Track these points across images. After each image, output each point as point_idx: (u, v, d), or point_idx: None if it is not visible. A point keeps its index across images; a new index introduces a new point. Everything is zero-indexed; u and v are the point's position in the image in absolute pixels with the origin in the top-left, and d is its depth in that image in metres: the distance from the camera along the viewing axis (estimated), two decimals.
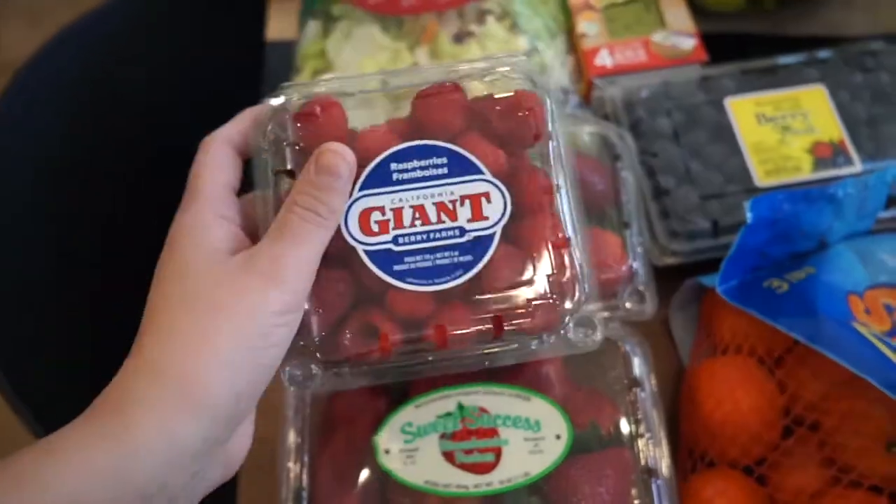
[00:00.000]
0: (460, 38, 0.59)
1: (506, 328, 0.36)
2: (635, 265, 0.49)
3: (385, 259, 0.36)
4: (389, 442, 0.44)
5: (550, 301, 0.36)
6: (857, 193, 0.49)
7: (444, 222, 0.36)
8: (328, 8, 0.62)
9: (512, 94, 0.38)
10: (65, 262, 0.69)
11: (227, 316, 0.31)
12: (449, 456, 0.44)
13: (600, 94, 0.59)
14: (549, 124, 0.38)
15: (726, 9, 0.63)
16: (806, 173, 0.53)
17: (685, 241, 0.52)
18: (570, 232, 0.37)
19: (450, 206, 0.36)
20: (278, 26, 0.66)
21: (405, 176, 0.37)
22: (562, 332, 0.37)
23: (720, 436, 0.47)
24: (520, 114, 0.37)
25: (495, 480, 0.43)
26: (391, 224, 0.36)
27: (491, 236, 0.36)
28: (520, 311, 0.36)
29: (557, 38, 0.61)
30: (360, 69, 0.58)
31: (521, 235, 0.37)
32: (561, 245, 0.37)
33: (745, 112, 0.55)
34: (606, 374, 0.47)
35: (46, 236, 0.67)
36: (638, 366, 0.47)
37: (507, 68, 0.39)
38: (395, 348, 0.36)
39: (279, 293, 0.32)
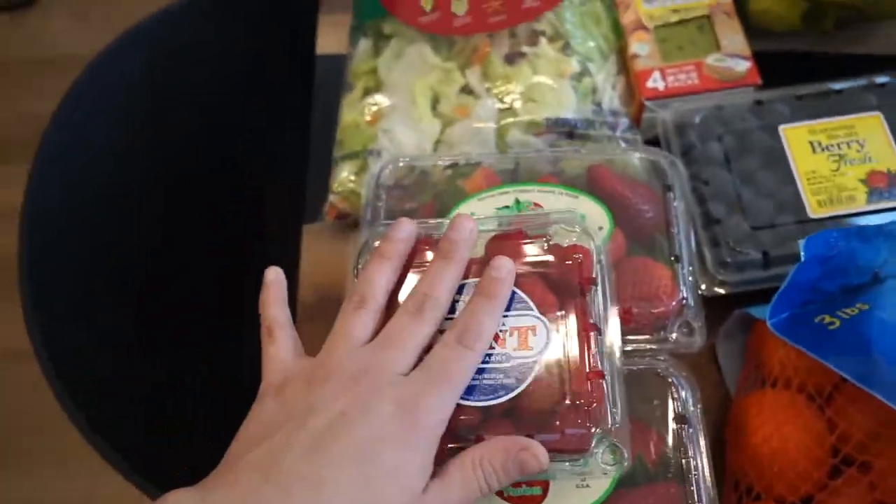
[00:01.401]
0: (512, 58, 0.59)
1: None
2: (685, 297, 0.49)
3: None
4: None
5: (580, 426, 0.41)
6: None
7: (493, 349, 0.42)
8: (379, 25, 0.62)
9: (566, 245, 0.45)
10: (119, 266, 0.71)
11: None
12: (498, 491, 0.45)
13: (652, 116, 0.58)
14: (596, 272, 0.44)
15: (783, 28, 0.62)
16: (860, 204, 0.53)
17: (735, 271, 0.52)
18: (604, 366, 0.42)
19: (501, 335, 0.42)
20: (328, 40, 0.67)
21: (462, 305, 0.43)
22: (591, 455, 0.41)
23: (767, 470, 0.47)
24: (568, 262, 0.44)
25: None
26: None
27: (532, 364, 0.41)
28: (552, 433, 0.40)
29: (609, 60, 0.60)
30: (410, 89, 0.58)
31: (562, 365, 0.42)
32: (595, 377, 0.41)
33: (799, 140, 0.55)
34: (654, 408, 0.47)
35: (107, 236, 0.69)
36: (685, 400, 0.47)
37: (562, 224, 0.46)
38: (444, 453, 0.40)
39: None
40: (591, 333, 0.43)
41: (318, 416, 0.37)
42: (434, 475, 0.38)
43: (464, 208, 0.51)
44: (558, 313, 0.43)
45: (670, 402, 0.47)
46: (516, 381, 0.41)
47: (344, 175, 0.57)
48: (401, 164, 0.55)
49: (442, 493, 0.38)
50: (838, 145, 0.54)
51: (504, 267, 0.42)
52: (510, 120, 0.57)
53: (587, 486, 0.44)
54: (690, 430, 0.46)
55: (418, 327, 0.40)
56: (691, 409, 0.47)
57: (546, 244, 0.45)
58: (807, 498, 0.47)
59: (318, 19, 0.68)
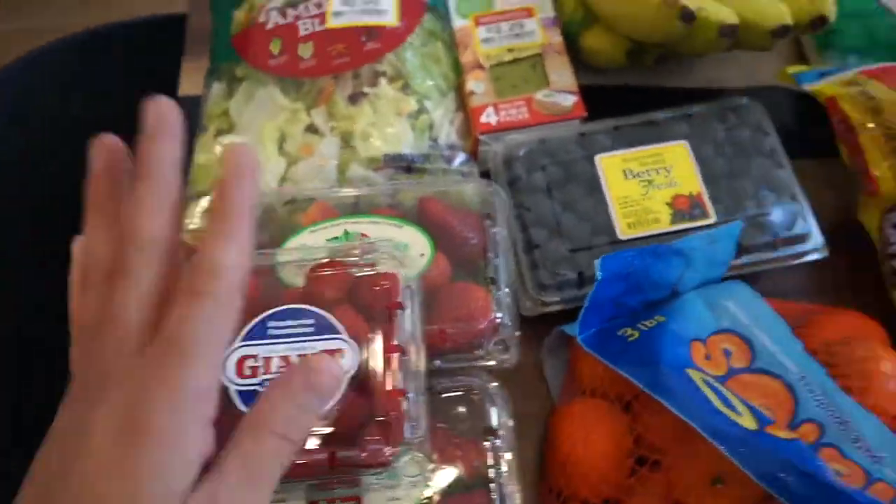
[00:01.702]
0: (354, 98, 0.63)
1: (339, 460, 0.44)
2: (500, 317, 0.53)
3: (251, 397, 0.43)
4: None
5: (380, 442, 0.44)
6: (705, 247, 0.53)
7: None
8: (232, 69, 0.66)
9: (374, 273, 0.49)
10: None
11: None
12: None
13: (487, 150, 0.63)
14: (404, 297, 0.48)
15: (610, 65, 0.67)
16: (665, 225, 0.57)
17: (554, 291, 0.56)
18: (405, 386, 0.45)
19: None
20: (190, 82, 0.70)
21: (279, 332, 0.46)
22: (394, 469, 0.45)
23: (574, 474, 0.51)
24: (377, 288, 0.48)
25: None
26: (261, 370, 0.44)
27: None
28: (355, 449, 0.43)
29: (448, 97, 0.65)
30: (259, 130, 0.62)
31: (375, 388, 0.45)
32: (396, 395, 0.45)
33: (613, 168, 0.59)
34: (467, 422, 0.51)
35: None
36: (494, 414, 0.51)
37: (377, 253, 0.50)
38: None
39: None
40: (395, 355, 0.46)
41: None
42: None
43: (296, 240, 0.55)
44: (368, 336, 0.47)
45: (483, 415, 0.51)
46: None
47: (193, 216, 0.60)
48: None
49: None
50: (647, 172, 0.59)
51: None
52: (350, 156, 0.61)
53: (397, 499, 0.48)
54: (499, 442, 0.50)
55: (196, 309, 0.32)
56: (501, 421, 0.51)
57: (359, 272, 0.49)
58: (610, 500, 0.51)
59: (182, 63, 0.72)
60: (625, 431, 0.51)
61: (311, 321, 0.47)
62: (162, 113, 0.34)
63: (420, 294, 0.49)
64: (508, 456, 0.50)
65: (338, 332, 0.46)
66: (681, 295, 0.55)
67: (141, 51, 0.74)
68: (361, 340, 0.46)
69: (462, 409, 0.51)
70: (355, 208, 0.57)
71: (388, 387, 0.45)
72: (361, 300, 0.48)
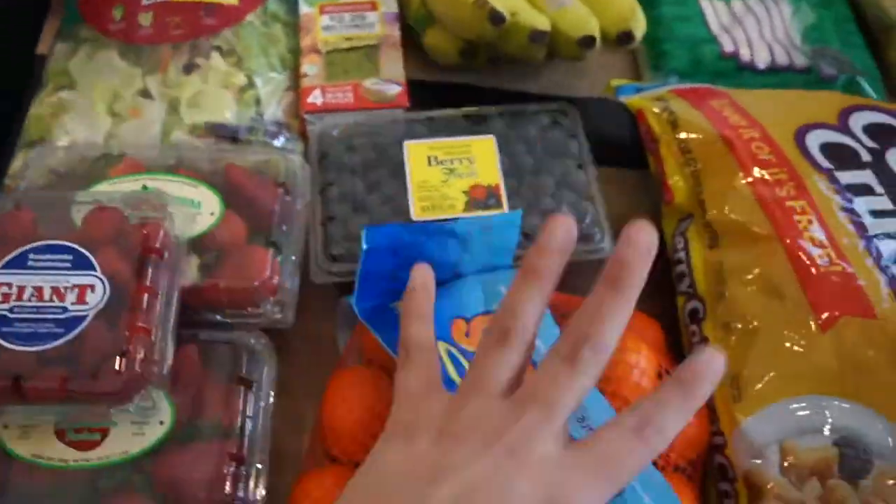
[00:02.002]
0: (188, 68, 0.66)
1: (71, 390, 0.46)
2: (278, 280, 0.56)
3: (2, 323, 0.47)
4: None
5: (121, 375, 0.46)
6: (481, 233, 0.55)
7: (53, 301, 0.48)
8: (78, 30, 0.68)
9: (142, 221, 0.52)
10: None
11: None
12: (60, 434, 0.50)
13: (312, 129, 0.65)
14: (165, 246, 0.51)
15: (448, 62, 0.71)
16: (458, 211, 0.60)
17: (343, 263, 0.59)
18: (154, 329, 0.48)
19: (63, 290, 0.48)
20: (46, 42, 0.73)
21: (38, 264, 0.49)
22: (133, 402, 0.48)
23: (330, 436, 0.53)
24: (142, 234, 0.51)
25: (94, 457, 0.49)
26: (13, 297, 0.48)
27: (84, 317, 0.48)
28: (97, 380, 0.46)
29: (282, 76, 0.68)
30: (93, 89, 0.65)
31: (120, 323, 0.48)
32: (142, 332, 0.47)
33: (419, 154, 0.62)
34: (225, 372, 0.52)
35: None
36: (254, 367, 0.53)
37: (152, 204, 0.53)
38: None
39: None
40: (145, 295, 0.48)
41: (444, 485, 0.31)
42: None
43: (96, 188, 0.57)
44: (123, 276, 0.49)
45: (241, 367, 0.53)
46: (66, 330, 0.47)
47: (18, 164, 0.63)
48: (60, 154, 0.61)
49: None
50: (451, 161, 0.62)
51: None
52: (175, 122, 0.63)
53: (142, 434, 0.49)
54: (252, 395, 0.52)
55: (574, 381, 0.33)
56: (261, 374, 0.53)
57: (132, 218, 0.52)
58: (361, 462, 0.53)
59: (44, 24, 0.74)
60: (381, 399, 0.53)
61: (69, 257, 0.49)
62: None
63: (184, 246, 0.52)
64: (262, 408, 0.52)
65: (93, 269, 0.48)
66: (462, 277, 0.57)
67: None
68: (115, 279, 0.49)
69: (224, 360, 0.53)
70: (162, 168, 0.60)
71: (136, 324, 0.47)
72: (124, 244, 0.51)
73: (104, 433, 0.49)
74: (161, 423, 0.50)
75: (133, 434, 0.49)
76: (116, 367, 0.46)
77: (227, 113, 0.64)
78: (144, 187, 0.57)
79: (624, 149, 0.70)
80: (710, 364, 0.34)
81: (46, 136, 0.63)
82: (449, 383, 0.47)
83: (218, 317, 0.55)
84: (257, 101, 0.65)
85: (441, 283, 0.57)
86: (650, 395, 0.34)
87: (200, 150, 0.62)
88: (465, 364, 0.50)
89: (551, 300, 0.57)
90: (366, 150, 0.63)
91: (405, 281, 0.56)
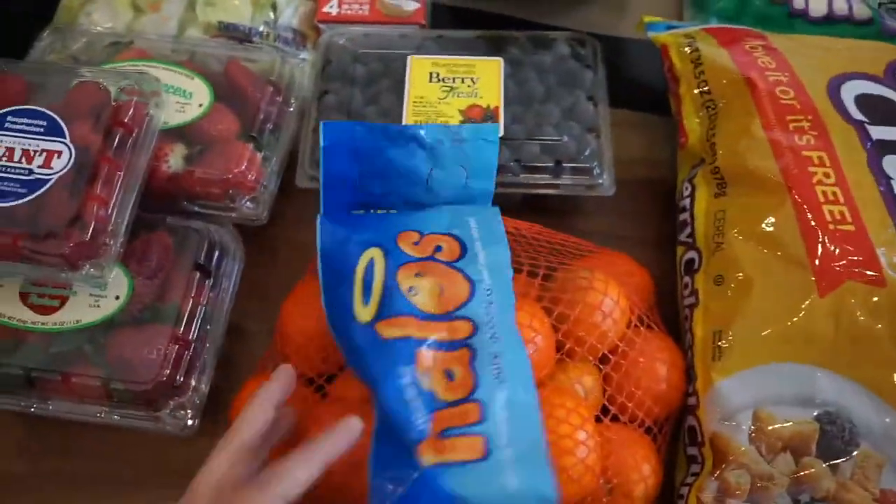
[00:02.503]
0: None
1: (23, 248, 0.47)
2: (258, 177, 0.55)
3: None
4: None
5: (72, 239, 0.47)
6: (451, 144, 0.51)
7: (21, 163, 0.49)
8: None
9: (125, 102, 0.53)
10: None
11: None
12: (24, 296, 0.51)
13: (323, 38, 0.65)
14: (137, 123, 0.52)
15: None
16: None
17: None
18: (112, 201, 0.49)
19: (32, 153, 0.50)
20: None
21: (15, 126, 0.51)
22: (81, 270, 0.48)
23: (285, 344, 0.52)
24: (114, 104, 0.52)
25: (51, 322, 0.50)
26: None
27: (48, 180, 0.49)
28: (56, 242, 0.47)
29: None
30: None
31: (80, 191, 0.49)
32: (98, 202, 0.48)
33: (421, 69, 0.60)
34: (184, 259, 0.53)
35: None
36: (217, 259, 0.53)
37: (140, 86, 0.54)
38: None
39: None
40: (106, 167, 0.49)
41: None
42: None
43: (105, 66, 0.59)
44: (92, 147, 0.50)
45: (201, 255, 0.53)
46: (29, 191, 0.48)
47: (42, 45, 0.65)
48: (81, 40, 0.62)
49: None
50: (453, 79, 0.60)
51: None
52: (191, 18, 0.64)
53: (98, 306, 0.50)
54: (209, 282, 0.52)
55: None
56: (218, 268, 0.53)
57: (114, 95, 0.52)
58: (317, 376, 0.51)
59: None
60: None
61: (44, 123, 0.50)
62: None
63: (157, 130, 0.53)
64: (220, 299, 0.52)
65: (63, 137, 0.49)
66: (437, 205, 0.53)
67: None
68: (83, 149, 0.49)
69: (192, 248, 0.53)
70: (166, 59, 0.60)
71: (93, 193, 0.48)
72: (100, 118, 0.51)
73: (63, 301, 0.51)
74: (117, 297, 0.51)
75: (89, 305, 0.51)
76: (68, 232, 0.47)
77: (243, 14, 0.64)
78: (146, 74, 0.58)
79: (654, 93, 0.66)
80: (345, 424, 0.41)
81: (73, 24, 0.65)
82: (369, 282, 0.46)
83: (196, 208, 0.56)
84: (273, 7, 0.65)
85: (411, 205, 0.53)
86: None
87: (209, 47, 0.62)
88: (399, 266, 0.48)
89: (535, 231, 0.55)
90: (371, 62, 0.62)
91: (372, 193, 0.52)
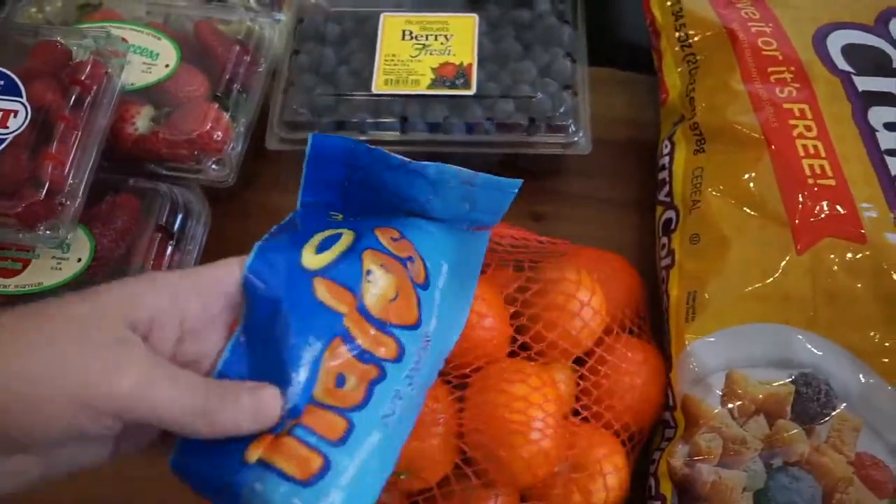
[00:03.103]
0: None
1: None
2: (221, 136, 0.54)
3: None
4: None
5: (29, 197, 0.47)
6: (458, 183, 0.42)
7: None
8: None
9: (86, 60, 0.52)
10: None
11: None
12: None
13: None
14: (96, 83, 0.51)
15: None
16: (422, 88, 0.56)
17: (298, 132, 0.56)
18: (69, 160, 0.49)
19: None
20: None
21: None
22: (37, 231, 0.48)
23: None
24: (71, 63, 0.52)
25: (12, 285, 0.50)
26: None
27: (3, 140, 0.48)
28: (12, 201, 0.47)
29: None
30: None
31: (37, 151, 0.48)
32: (56, 160, 0.48)
33: (394, 27, 0.59)
34: (146, 220, 0.52)
35: None
36: (179, 220, 0.52)
37: (103, 47, 0.53)
38: None
39: None
40: (62, 125, 0.49)
41: None
42: None
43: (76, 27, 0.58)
44: (50, 107, 0.49)
45: (163, 217, 0.52)
46: None
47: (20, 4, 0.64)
48: (57, 4, 0.62)
49: None
50: (426, 36, 0.58)
51: None
52: None
53: (60, 268, 0.50)
54: (171, 244, 0.52)
55: None
56: (182, 230, 0.52)
57: (74, 54, 0.51)
58: None
59: None
60: None
61: (1, 82, 0.49)
62: None
63: (116, 89, 0.52)
64: (184, 262, 0.51)
65: (20, 96, 0.49)
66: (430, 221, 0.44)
67: None
68: (41, 109, 0.49)
69: (155, 211, 0.52)
70: (138, 20, 0.59)
71: (48, 152, 0.48)
72: (59, 77, 0.51)
73: (26, 264, 0.51)
74: (79, 260, 0.50)
75: (51, 268, 0.50)
76: (22, 192, 0.47)
77: None
78: (108, 34, 0.57)
79: (641, 52, 0.64)
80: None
81: None
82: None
83: (164, 170, 0.55)
84: None
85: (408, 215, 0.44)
86: None
87: (181, 8, 0.61)
88: (370, 247, 0.42)
89: (523, 235, 0.51)
90: (345, 21, 0.60)
91: (353, 203, 0.44)
